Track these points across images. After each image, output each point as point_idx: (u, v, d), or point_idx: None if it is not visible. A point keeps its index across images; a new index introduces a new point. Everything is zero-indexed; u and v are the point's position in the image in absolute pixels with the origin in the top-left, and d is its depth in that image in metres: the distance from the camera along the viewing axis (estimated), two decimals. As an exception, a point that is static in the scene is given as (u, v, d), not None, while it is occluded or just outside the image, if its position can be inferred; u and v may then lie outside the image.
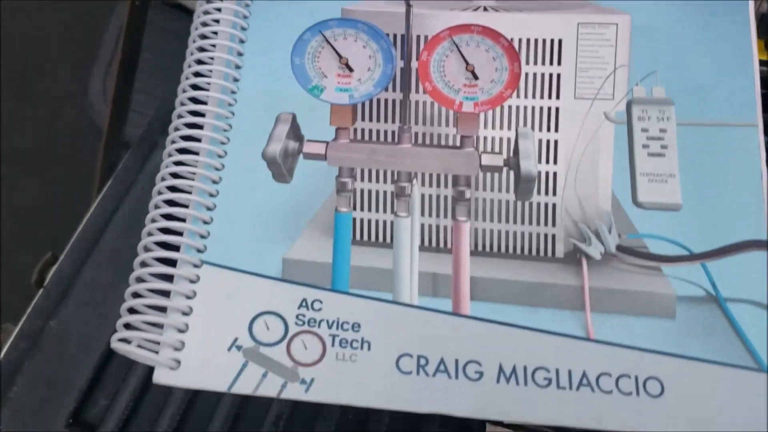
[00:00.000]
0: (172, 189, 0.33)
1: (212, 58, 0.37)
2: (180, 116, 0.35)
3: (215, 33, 0.38)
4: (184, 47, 0.50)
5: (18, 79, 1.53)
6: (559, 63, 0.36)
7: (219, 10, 0.39)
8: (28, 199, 1.35)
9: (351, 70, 0.37)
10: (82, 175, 0.86)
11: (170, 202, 0.33)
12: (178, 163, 0.34)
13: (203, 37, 0.37)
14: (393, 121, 0.36)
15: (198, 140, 0.35)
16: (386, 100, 0.36)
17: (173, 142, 0.35)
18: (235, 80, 0.37)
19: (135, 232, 0.50)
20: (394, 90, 0.37)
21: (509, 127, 0.36)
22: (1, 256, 1.21)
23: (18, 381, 0.55)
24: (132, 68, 0.69)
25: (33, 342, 0.57)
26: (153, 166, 0.66)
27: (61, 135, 1.44)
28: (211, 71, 0.36)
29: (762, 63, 0.44)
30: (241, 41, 0.38)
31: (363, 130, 0.36)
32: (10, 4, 1.55)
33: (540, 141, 0.35)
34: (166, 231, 0.33)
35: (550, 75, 0.36)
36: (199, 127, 0.35)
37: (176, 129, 0.35)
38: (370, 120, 0.36)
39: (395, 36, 0.37)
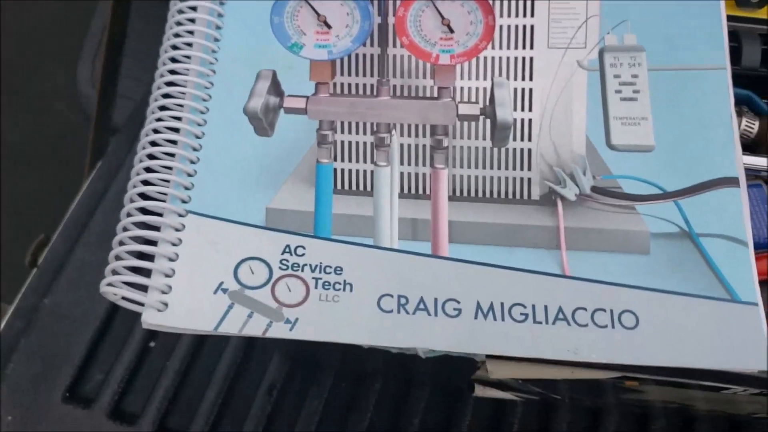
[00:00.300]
0: (155, 144, 0.34)
1: (193, 20, 0.37)
2: (162, 75, 0.36)
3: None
4: None
5: (9, 75, 1.54)
6: (532, 15, 0.37)
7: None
8: (21, 186, 1.36)
9: (329, 27, 0.38)
10: (73, 163, 0.86)
11: (153, 156, 0.34)
12: (160, 120, 0.35)
13: (181, 12, 0.38)
14: (372, 75, 0.37)
15: (180, 97, 0.35)
16: (364, 55, 0.37)
17: (156, 100, 0.35)
18: (216, 40, 0.38)
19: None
20: (372, 45, 0.37)
21: (485, 78, 0.37)
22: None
23: (15, 358, 0.55)
24: (118, 54, 0.69)
25: (28, 320, 0.58)
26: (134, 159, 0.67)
27: (52, 129, 1.45)
28: (192, 32, 0.37)
29: (729, 18, 0.45)
30: (221, 3, 0.39)
31: (342, 85, 0.37)
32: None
33: (515, 90, 0.36)
34: (149, 184, 0.33)
35: (524, 26, 0.37)
36: (182, 86, 0.36)
37: (158, 87, 0.36)
38: (349, 74, 0.37)
39: (372, -6, 0.38)
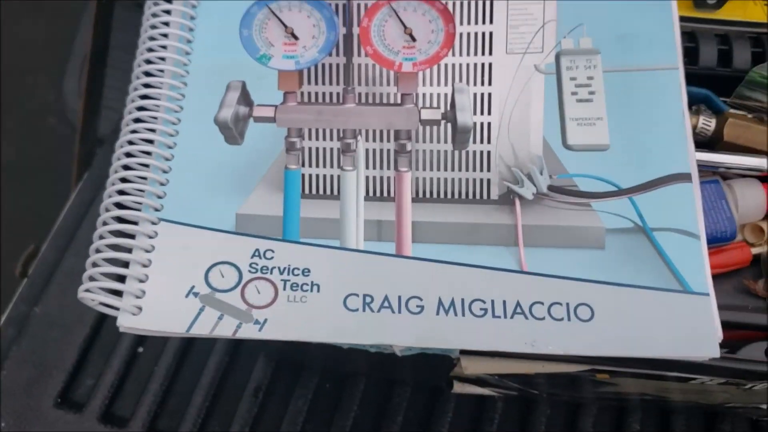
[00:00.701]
0: (129, 155, 0.36)
1: (166, 35, 0.39)
2: (135, 89, 0.38)
3: (168, 12, 0.40)
4: None
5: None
6: (491, 22, 0.39)
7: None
8: (11, 199, 1.37)
9: (296, 38, 0.39)
10: (62, 175, 0.88)
11: (128, 167, 0.35)
12: (134, 131, 0.36)
13: (155, 15, 0.40)
14: (338, 84, 0.38)
15: (153, 110, 0.37)
16: (330, 65, 0.39)
17: (129, 113, 0.37)
18: (187, 54, 0.39)
19: None
20: (338, 55, 0.39)
21: (446, 84, 0.38)
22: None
23: (7, 365, 0.57)
24: (102, 65, 0.70)
25: (19, 328, 0.60)
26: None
27: (43, 144, 1.46)
28: (165, 46, 0.39)
29: (687, 19, 0.46)
30: (192, 18, 0.40)
31: (309, 94, 0.38)
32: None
33: (475, 95, 0.38)
34: (124, 193, 0.35)
35: (483, 33, 0.39)
36: (155, 98, 0.38)
37: (132, 101, 0.37)
38: (316, 83, 0.39)
39: (337, 5, 0.39)
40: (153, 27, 0.40)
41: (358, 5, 0.39)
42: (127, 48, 0.84)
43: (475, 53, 0.38)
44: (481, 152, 0.37)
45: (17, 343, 0.59)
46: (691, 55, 0.45)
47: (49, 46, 1.61)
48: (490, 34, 0.39)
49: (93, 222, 0.66)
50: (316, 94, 0.38)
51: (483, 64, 0.38)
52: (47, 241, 0.64)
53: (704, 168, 0.42)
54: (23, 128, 1.51)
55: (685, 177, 0.35)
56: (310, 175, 0.37)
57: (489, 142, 0.37)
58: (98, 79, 0.71)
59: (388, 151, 0.37)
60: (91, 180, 0.68)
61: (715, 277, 0.34)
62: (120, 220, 0.34)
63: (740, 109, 0.43)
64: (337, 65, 0.39)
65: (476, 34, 0.39)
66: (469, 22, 0.39)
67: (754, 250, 0.42)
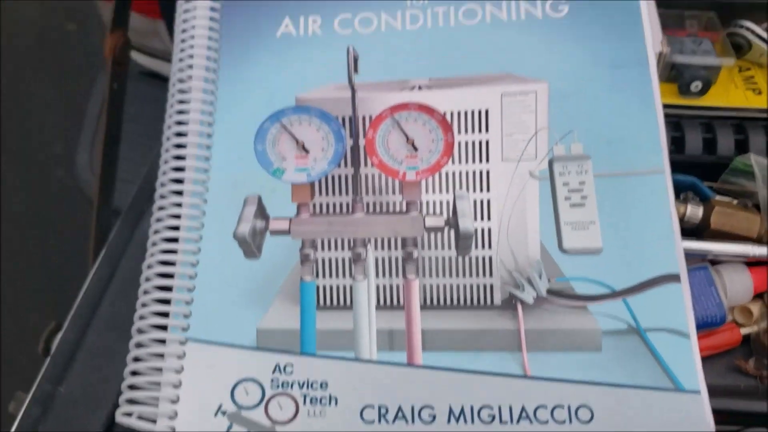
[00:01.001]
0: (157, 275, 0.38)
1: (183, 157, 0.42)
2: (158, 219, 0.40)
3: (184, 130, 0.43)
4: (162, 113, 0.55)
5: (9, 144, 1.59)
6: (487, 130, 0.41)
7: (187, 93, 0.44)
8: (28, 268, 1.40)
9: (307, 151, 0.42)
10: (76, 240, 0.91)
11: (156, 288, 0.38)
12: (158, 258, 0.39)
13: (178, 134, 0.42)
14: (347, 194, 0.41)
15: (177, 228, 0.40)
16: (339, 176, 0.41)
17: (155, 243, 0.40)
18: (206, 171, 0.42)
19: (129, 298, 0.54)
20: (345, 166, 0.41)
21: (447, 191, 0.41)
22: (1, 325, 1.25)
23: (34, 445, 0.59)
24: (116, 141, 0.73)
25: (44, 408, 0.62)
26: (141, 234, 0.71)
27: (53, 197, 1.50)
28: (183, 168, 0.41)
29: (672, 106, 0.49)
30: (209, 135, 0.43)
31: (321, 204, 0.41)
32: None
33: (475, 201, 0.40)
34: (154, 314, 0.37)
35: (480, 141, 0.41)
36: (178, 216, 0.40)
37: (155, 231, 0.40)
38: (327, 194, 0.41)
39: (344, 118, 0.42)
40: (175, 146, 0.43)
41: (363, 117, 0.42)
42: (138, 120, 0.87)
43: (473, 161, 0.41)
44: (483, 257, 0.39)
45: (43, 423, 0.61)
46: (677, 143, 0.47)
47: (58, 100, 1.65)
48: (487, 142, 0.41)
49: (112, 298, 0.69)
50: (327, 204, 0.41)
51: (481, 172, 0.41)
52: (68, 319, 0.67)
53: (693, 256, 0.44)
54: (30, 180, 1.54)
55: (675, 278, 0.38)
56: (324, 287, 0.39)
57: (490, 247, 0.39)
58: (113, 153, 0.73)
59: (396, 258, 0.40)
60: (109, 255, 0.71)
61: (707, 358, 0.36)
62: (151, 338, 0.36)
63: (726, 195, 0.46)
64: (346, 176, 0.41)
65: (473, 142, 0.41)
66: (466, 131, 0.41)
67: (744, 331, 0.44)
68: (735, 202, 0.45)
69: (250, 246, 0.39)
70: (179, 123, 0.43)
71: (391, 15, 0.45)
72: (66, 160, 1.53)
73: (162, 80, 0.96)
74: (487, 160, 0.41)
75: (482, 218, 0.40)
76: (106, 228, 0.74)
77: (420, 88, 0.43)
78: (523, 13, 0.44)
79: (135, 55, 0.93)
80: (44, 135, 1.61)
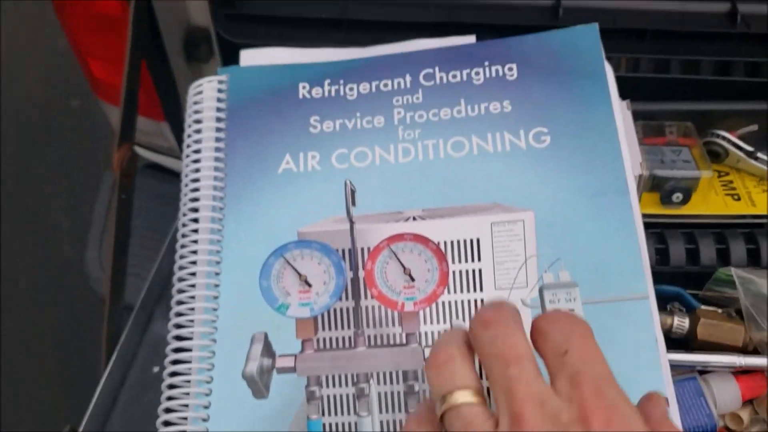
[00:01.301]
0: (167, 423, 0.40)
1: (193, 297, 0.44)
2: (168, 357, 0.43)
3: (194, 263, 0.46)
4: (170, 209, 0.58)
5: (15, 218, 1.62)
6: (479, 259, 0.44)
7: (196, 233, 0.47)
8: (44, 372, 1.42)
9: (309, 285, 0.44)
10: (89, 336, 0.93)
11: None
12: (171, 398, 0.41)
13: (181, 280, 0.45)
14: (349, 327, 0.43)
15: (187, 372, 0.42)
16: (341, 309, 0.44)
17: (170, 374, 0.42)
18: (215, 310, 0.44)
19: (141, 402, 0.56)
20: (347, 298, 0.44)
21: (445, 321, 0.43)
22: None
23: None
24: (125, 248, 0.76)
25: None
26: (151, 336, 0.74)
27: (59, 277, 1.53)
28: (193, 308, 0.44)
29: (655, 216, 0.51)
30: (217, 273, 0.46)
31: (324, 339, 0.43)
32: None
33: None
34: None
35: (473, 270, 0.44)
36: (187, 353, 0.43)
37: (167, 375, 0.42)
38: (330, 329, 0.43)
39: (343, 251, 0.45)
40: (180, 279, 0.45)
41: (362, 249, 0.45)
42: (144, 214, 0.89)
43: (468, 290, 0.43)
44: (481, 388, 0.41)
45: None
46: (662, 254, 0.50)
47: (61, 174, 1.69)
48: (480, 270, 0.44)
49: (126, 402, 0.71)
50: (330, 339, 0.43)
51: (476, 300, 0.43)
52: (83, 423, 0.69)
53: (682, 367, 0.46)
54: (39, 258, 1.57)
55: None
56: (330, 424, 0.41)
57: (487, 377, 0.41)
58: (123, 254, 0.75)
59: (398, 393, 0.42)
60: (121, 358, 0.73)
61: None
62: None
63: (711, 304, 0.48)
64: (347, 309, 0.44)
65: (467, 271, 0.44)
66: (460, 261, 0.44)
67: (736, 437, 0.46)
68: (720, 311, 0.48)
69: (258, 385, 0.41)
70: (188, 267, 0.45)
71: (384, 149, 0.48)
72: (72, 238, 1.57)
73: (166, 173, 0.99)
74: (481, 288, 0.43)
75: (478, 347, 0.42)
76: (118, 326, 0.76)
77: (414, 218, 0.45)
78: (508, 145, 0.47)
79: (141, 151, 0.96)
80: (51, 213, 1.64)
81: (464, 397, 0.30)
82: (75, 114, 1.82)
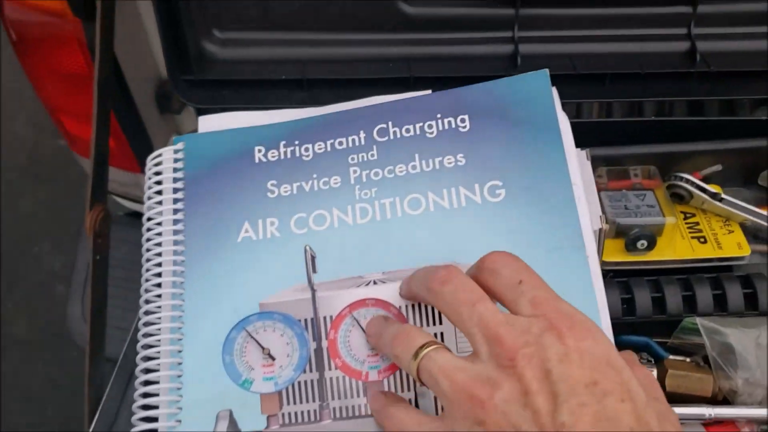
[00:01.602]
0: None
1: (158, 377, 0.44)
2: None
3: (158, 341, 0.45)
4: None
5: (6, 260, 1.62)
6: (440, 322, 0.44)
7: (159, 309, 0.46)
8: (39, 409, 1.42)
9: (273, 358, 0.44)
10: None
11: None
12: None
13: (145, 359, 0.45)
14: (314, 400, 0.43)
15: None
16: (306, 382, 0.43)
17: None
18: (178, 389, 0.44)
19: None
20: (311, 370, 0.44)
21: (409, 389, 0.43)
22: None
23: None
24: (103, 300, 0.75)
25: None
26: (134, 391, 0.73)
27: (51, 316, 1.53)
28: (157, 387, 0.44)
29: (620, 263, 0.51)
30: (179, 340, 0.45)
31: (290, 414, 0.43)
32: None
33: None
34: None
35: (435, 334, 0.43)
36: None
37: None
38: (295, 403, 0.43)
39: (306, 320, 0.44)
40: (145, 371, 0.45)
41: (324, 318, 0.44)
42: (123, 264, 0.89)
43: (431, 355, 0.43)
44: (447, 458, 0.41)
45: None
46: (629, 304, 0.49)
47: (51, 215, 1.69)
48: (441, 334, 0.43)
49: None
50: (296, 413, 0.43)
51: (439, 367, 0.43)
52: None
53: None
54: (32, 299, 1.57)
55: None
56: (297, 501, 0.41)
57: (453, 446, 0.41)
58: (102, 300, 0.75)
59: (365, 469, 0.41)
60: (105, 411, 0.72)
61: None
62: None
63: (679, 352, 0.48)
64: (311, 381, 0.43)
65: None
66: (422, 324, 0.44)
67: (710, 488, 0.46)
68: (688, 359, 0.47)
69: (225, 466, 0.41)
70: (151, 346, 0.45)
71: (342, 210, 0.48)
72: (64, 279, 1.57)
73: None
74: (443, 354, 0.43)
75: (444, 415, 0.42)
76: (100, 379, 0.76)
77: (375, 282, 0.45)
78: (464, 200, 0.47)
79: (120, 201, 0.96)
80: (42, 255, 1.64)
81: (432, 347, 0.36)
82: (63, 154, 1.83)
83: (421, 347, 0.37)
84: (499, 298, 0.37)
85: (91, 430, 0.72)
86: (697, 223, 0.54)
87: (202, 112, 0.53)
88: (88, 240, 0.70)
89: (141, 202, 0.96)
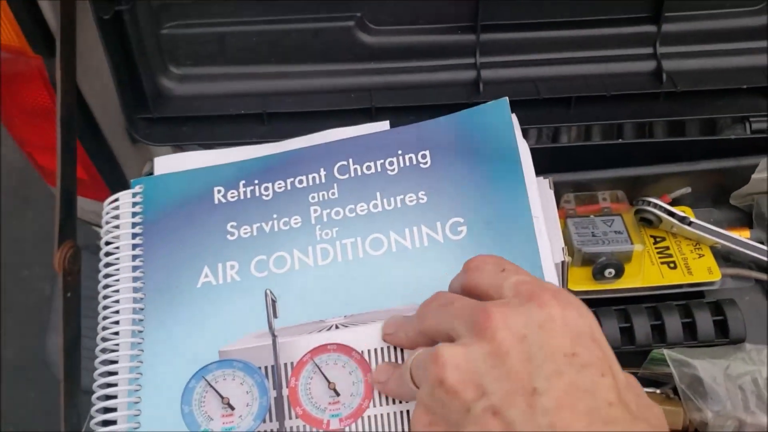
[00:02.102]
0: None
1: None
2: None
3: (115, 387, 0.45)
4: None
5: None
6: (403, 367, 0.43)
7: (115, 358, 0.46)
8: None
9: (233, 408, 0.43)
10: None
11: None
12: None
13: (101, 411, 0.44)
14: (274, 452, 0.42)
15: None
16: (266, 432, 0.43)
17: None
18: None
19: None
20: (270, 420, 0.43)
21: (376, 434, 0.42)
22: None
23: None
24: (75, 338, 0.74)
25: None
26: None
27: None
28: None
29: (589, 293, 0.50)
30: (137, 390, 0.45)
31: (250, 468, 0.42)
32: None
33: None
34: None
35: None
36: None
37: None
38: (255, 457, 0.42)
39: (266, 368, 0.44)
40: (100, 411, 0.44)
41: (285, 365, 0.44)
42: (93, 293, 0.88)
43: (394, 402, 0.42)
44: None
45: None
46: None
47: (40, 239, 1.68)
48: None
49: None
50: (257, 469, 0.42)
51: (401, 413, 0.42)
52: None
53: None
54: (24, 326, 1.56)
55: None
56: None
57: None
58: (75, 360, 0.74)
59: None
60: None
61: None
62: None
63: (649, 384, 0.47)
64: (271, 431, 0.43)
65: (393, 381, 0.43)
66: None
67: None
68: (658, 391, 0.46)
69: None
70: (106, 397, 0.44)
71: (302, 252, 0.47)
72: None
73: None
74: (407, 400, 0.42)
75: (407, 468, 0.41)
76: (77, 417, 0.75)
77: (337, 327, 0.45)
78: (426, 239, 0.46)
79: (96, 229, 0.95)
80: (33, 280, 1.64)
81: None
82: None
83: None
84: (485, 291, 0.36)
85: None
86: (667, 248, 0.53)
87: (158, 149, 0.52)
88: (59, 278, 0.69)
89: (118, 230, 0.95)
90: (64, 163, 0.66)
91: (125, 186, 0.82)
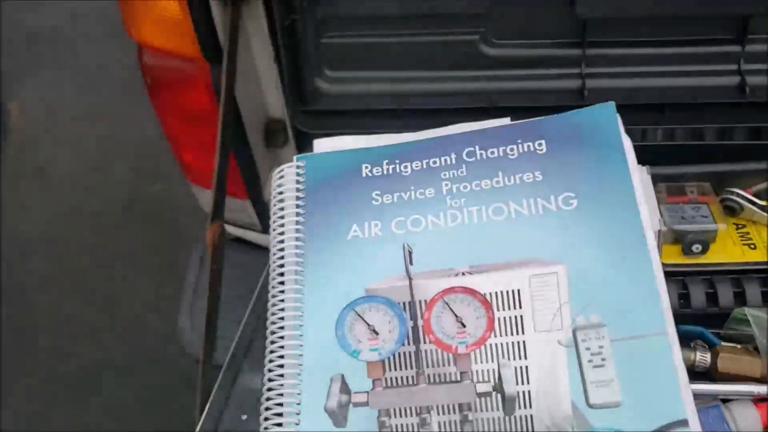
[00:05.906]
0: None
1: (282, 346, 0.53)
2: (269, 389, 0.52)
3: (282, 319, 0.55)
4: (251, 278, 0.67)
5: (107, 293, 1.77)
6: (520, 306, 0.52)
7: (283, 293, 0.56)
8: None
9: (377, 333, 0.53)
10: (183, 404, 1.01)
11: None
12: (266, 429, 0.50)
13: (273, 333, 0.54)
14: (411, 368, 0.52)
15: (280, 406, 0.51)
16: (405, 353, 0.52)
17: (268, 399, 0.51)
18: (300, 356, 0.53)
19: None
20: (409, 344, 0.52)
21: (493, 360, 0.51)
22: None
23: None
24: (216, 304, 0.85)
25: None
26: (239, 389, 0.82)
27: (147, 344, 1.66)
28: (282, 356, 0.53)
29: (678, 265, 0.58)
30: (300, 317, 0.55)
31: (391, 378, 0.52)
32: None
33: (515, 368, 0.50)
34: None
35: (516, 317, 0.51)
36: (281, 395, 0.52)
37: (268, 390, 0.51)
38: (396, 369, 0.52)
39: (404, 303, 0.53)
40: (272, 332, 0.55)
41: (420, 302, 0.53)
42: (228, 283, 0.99)
43: (512, 333, 0.51)
44: (525, 416, 0.49)
45: None
46: (684, 298, 0.56)
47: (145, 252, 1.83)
48: (521, 317, 0.51)
49: (218, 450, 0.79)
50: (396, 378, 0.52)
51: (519, 342, 0.51)
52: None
53: (706, 396, 0.52)
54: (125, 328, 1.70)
55: (684, 423, 0.46)
56: (399, 449, 0.49)
57: (530, 407, 0.49)
58: (214, 320, 0.85)
59: (455, 422, 0.49)
60: (213, 410, 0.81)
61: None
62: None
63: (731, 340, 0.54)
64: (410, 353, 0.52)
65: (510, 317, 0.51)
66: (504, 308, 0.52)
67: (760, 459, 0.51)
68: (739, 347, 0.54)
69: (338, 416, 0.50)
70: (277, 322, 0.55)
71: (435, 216, 0.57)
72: (157, 309, 1.71)
73: (247, 245, 1.10)
74: (523, 331, 0.51)
75: (522, 382, 0.50)
76: (210, 382, 0.86)
77: (463, 274, 0.54)
78: (541, 208, 0.55)
79: (226, 227, 1.07)
80: (137, 288, 1.79)
81: None
82: (156, 197, 1.99)
83: None
84: None
85: (198, 429, 0.81)
86: (748, 233, 0.60)
87: (308, 137, 0.63)
88: (208, 252, 0.81)
89: (245, 227, 1.07)
90: (221, 157, 0.78)
91: (259, 185, 0.94)
